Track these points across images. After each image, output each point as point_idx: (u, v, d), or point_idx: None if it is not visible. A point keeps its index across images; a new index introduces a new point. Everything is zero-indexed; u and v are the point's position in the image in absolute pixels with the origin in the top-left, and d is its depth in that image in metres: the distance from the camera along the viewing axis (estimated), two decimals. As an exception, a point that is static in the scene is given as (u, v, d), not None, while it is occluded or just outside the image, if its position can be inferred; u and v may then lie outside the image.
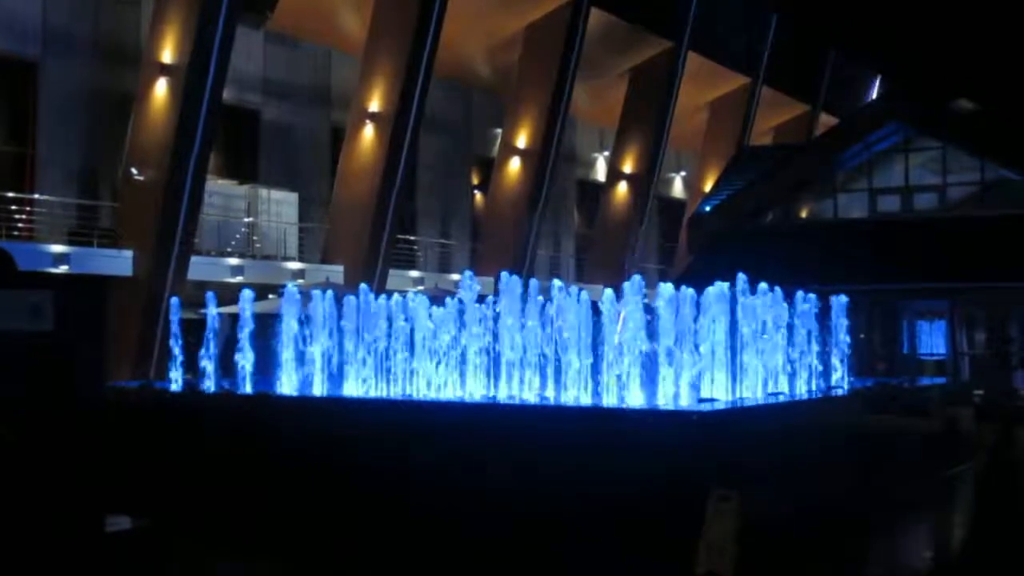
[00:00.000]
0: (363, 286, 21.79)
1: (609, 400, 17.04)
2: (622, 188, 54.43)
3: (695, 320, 18.10)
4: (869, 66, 68.92)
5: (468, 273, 20.50)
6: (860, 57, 66.79)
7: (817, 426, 17.89)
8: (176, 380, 21.26)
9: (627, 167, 54.21)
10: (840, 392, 20.98)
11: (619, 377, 17.26)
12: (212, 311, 20.97)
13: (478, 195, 51.84)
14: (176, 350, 21.54)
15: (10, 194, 32.69)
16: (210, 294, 21.41)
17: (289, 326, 20.28)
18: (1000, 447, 21.57)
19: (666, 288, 18.12)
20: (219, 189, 37.81)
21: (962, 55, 64.07)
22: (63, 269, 30.73)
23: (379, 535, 15.18)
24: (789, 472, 14.96)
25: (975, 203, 39.87)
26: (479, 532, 14.32)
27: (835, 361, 21.79)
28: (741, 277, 19.31)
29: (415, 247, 46.67)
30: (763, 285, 19.94)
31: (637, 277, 17.97)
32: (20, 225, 32.54)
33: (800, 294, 20.71)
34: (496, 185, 47.94)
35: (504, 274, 19.27)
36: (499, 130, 48.87)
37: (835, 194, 42.34)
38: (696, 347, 17.99)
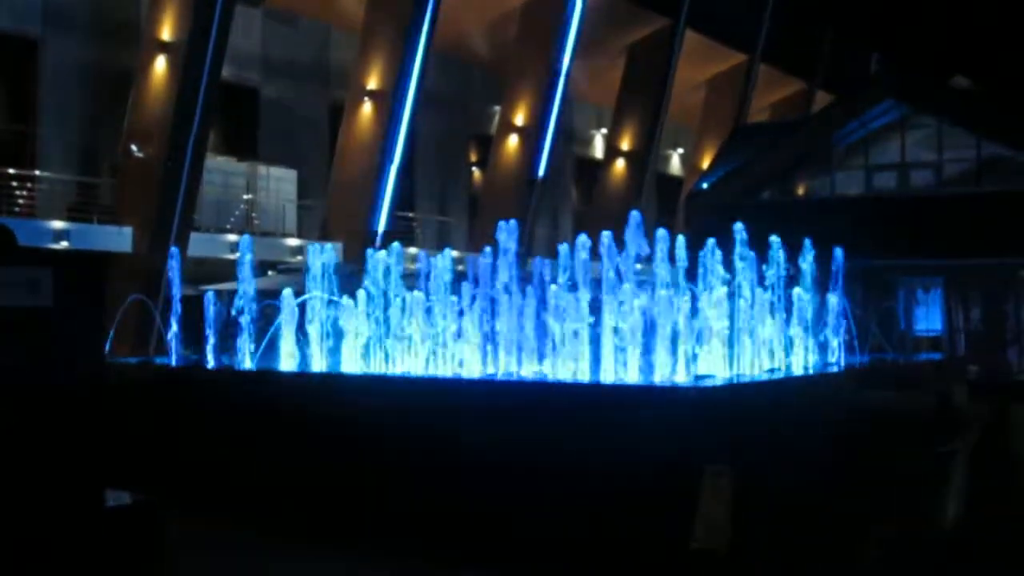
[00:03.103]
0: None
1: (606, 375, 17.10)
2: (620, 165, 54.53)
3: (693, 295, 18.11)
4: (866, 43, 68.93)
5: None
6: (857, 34, 66.80)
7: (814, 402, 17.97)
8: (176, 356, 21.33)
9: (625, 144, 54.29)
10: (836, 368, 21.05)
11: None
12: (210, 289, 21.03)
13: (476, 172, 51.94)
14: (174, 326, 21.58)
15: (11, 171, 32.79)
16: (209, 292, 21.39)
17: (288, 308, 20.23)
18: (994, 423, 21.71)
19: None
20: (218, 166, 37.92)
21: (959, 32, 64.06)
22: (63, 245, 30.87)
23: (379, 511, 15.29)
24: (785, 448, 15.06)
25: (971, 180, 39.96)
26: (473, 510, 14.43)
27: (831, 337, 21.83)
28: (739, 226, 19.24)
29: (414, 224, 46.77)
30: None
31: (635, 213, 17.81)
32: (21, 202, 32.67)
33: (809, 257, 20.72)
34: (494, 162, 48.04)
35: (501, 223, 19.14)
36: (497, 108, 48.96)
37: (832, 171, 42.40)
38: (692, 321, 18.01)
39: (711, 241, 18.62)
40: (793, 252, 20.80)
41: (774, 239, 20.02)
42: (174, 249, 22.84)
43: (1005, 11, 61.87)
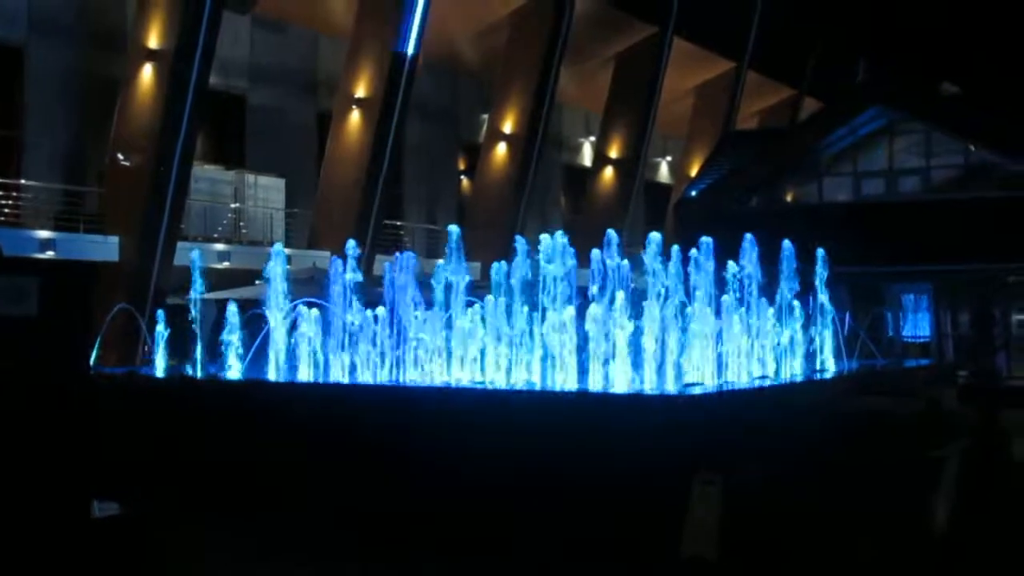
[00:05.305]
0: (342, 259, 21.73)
1: (595, 384, 17.08)
2: (608, 173, 54.48)
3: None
4: (854, 50, 68.97)
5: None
6: (845, 41, 66.86)
7: (802, 409, 17.96)
8: (161, 366, 21.28)
9: (613, 152, 54.26)
10: (825, 375, 21.05)
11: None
12: (196, 296, 20.98)
13: (465, 180, 51.86)
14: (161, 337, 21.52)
15: (-4, 179, 32.70)
16: (196, 283, 21.33)
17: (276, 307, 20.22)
18: (983, 427, 21.72)
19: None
20: (206, 174, 37.78)
21: (947, 39, 64.13)
22: (49, 255, 30.73)
23: (370, 519, 15.24)
24: (774, 455, 15.04)
25: (958, 186, 40.03)
26: (464, 517, 14.39)
27: (820, 344, 21.83)
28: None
29: (402, 232, 46.67)
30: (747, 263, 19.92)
31: (611, 231, 17.81)
32: (6, 211, 32.52)
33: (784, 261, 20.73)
34: (483, 170, 47.98)
35: (495, 264, 19.30)
36: (486, 115, 48.89)
37: (820, 178, 42.44)
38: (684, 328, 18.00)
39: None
40: (774, 259, 20.80)
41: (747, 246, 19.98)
42: (160, 312, 22.79)
43: (992, 18, 62.02)
